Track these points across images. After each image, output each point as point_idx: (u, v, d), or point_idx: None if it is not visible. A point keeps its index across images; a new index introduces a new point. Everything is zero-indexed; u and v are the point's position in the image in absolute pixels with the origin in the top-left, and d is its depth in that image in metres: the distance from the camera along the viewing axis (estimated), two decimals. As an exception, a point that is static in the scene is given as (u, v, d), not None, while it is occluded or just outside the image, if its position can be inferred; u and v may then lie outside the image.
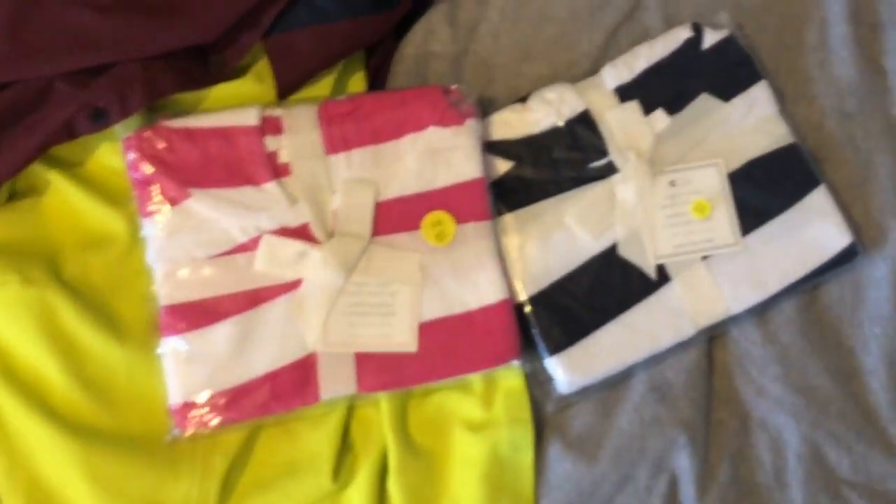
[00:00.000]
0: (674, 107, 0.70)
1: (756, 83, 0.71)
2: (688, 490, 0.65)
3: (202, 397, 0.62)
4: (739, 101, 0.70)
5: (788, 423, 0.67)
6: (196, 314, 0.62)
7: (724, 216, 0.68)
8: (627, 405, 0.67)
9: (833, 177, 0.71)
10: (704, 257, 0.67)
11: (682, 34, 0.71)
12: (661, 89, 0.70)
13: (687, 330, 0.66)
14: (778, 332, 0.68)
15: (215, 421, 0.62)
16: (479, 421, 0.66)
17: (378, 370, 0.64)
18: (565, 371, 0.66)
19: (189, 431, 0.62)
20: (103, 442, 0.61)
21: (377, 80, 0.73)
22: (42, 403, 0.61)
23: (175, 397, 0.62)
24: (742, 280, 0.67)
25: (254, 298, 0.63)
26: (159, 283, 0.63)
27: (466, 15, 0.75)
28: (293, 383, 0.63)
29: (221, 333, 0.62)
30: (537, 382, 0.68)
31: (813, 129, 0.73)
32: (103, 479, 0.61)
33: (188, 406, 0.62)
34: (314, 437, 0.65)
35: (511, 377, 0.67)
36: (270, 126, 0.65)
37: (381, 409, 0.66)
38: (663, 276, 0.67)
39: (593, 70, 0.73)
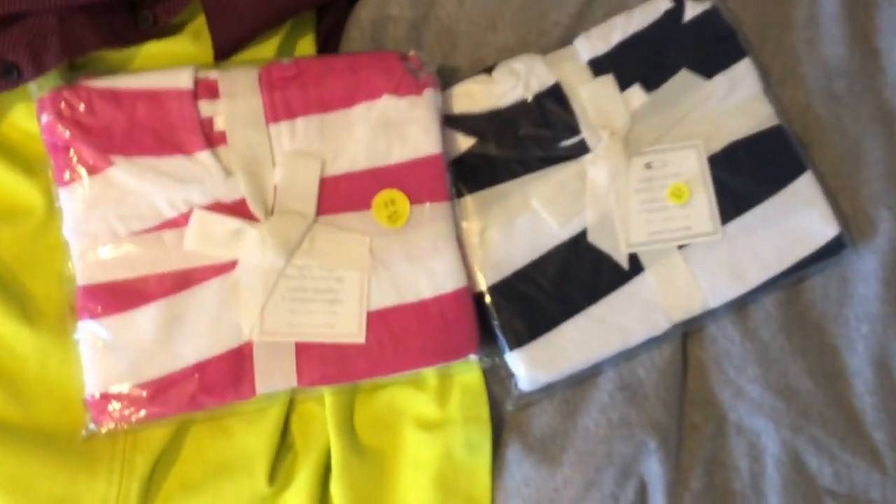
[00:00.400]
0: (652, 83, 0.65)
1: (740, 60, 0.66)
2: (657, 498, 0.60)
3: (122, 388, 0.56)
4: (722, 79, 0.65)
5: (767, 428, 0.62)
6: (117, 296, 0.56)
7: (704, 202, 0.63)
8: (594, 405, 0.62)
9: (820, 163, 0.67)
10: (681, 246, 0.62)
11: (662, 5, 0.66)
12: (639, 63, 0.65)
13: (661, 324, 0.61)
14: (758, 329, 0.63)
15: (137, 415, 0.56)
16: (433, 419, 0.61)
17: (321, 362, 0.58)
18: (527, 367, 0.60)
19: (107, 426, 0.56)
20: (9, 437, 0.55)
21: (328, 46, 0.67)
22: (-60, 393, 0.55)
23: (92, 388, 0.56)
24: (721, 272, 0.62)
25: (182, 280, 0.57)
26: (76, 260, 0.57)
27: (429, -22, 0.69)
28: (226, 375, 0.57)
29: (145, 318, 0.56)
30: (497, 379, 0.62)
31: (799, 112, 0.68)
32: (8, 478, 0.55)
33: (106, 398, 0.56)
34: (249, 435, 0.60)
35: (468, 372, 0.62)
36: (205, 90, 0.58)
37: (324, 405, 0.60)
38: (636, 266, 0.62)
39: (565, 41, 0.67)
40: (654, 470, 0.61)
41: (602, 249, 0.62)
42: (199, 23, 0.61)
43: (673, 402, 0.62)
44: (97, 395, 0.56)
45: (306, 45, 0.65)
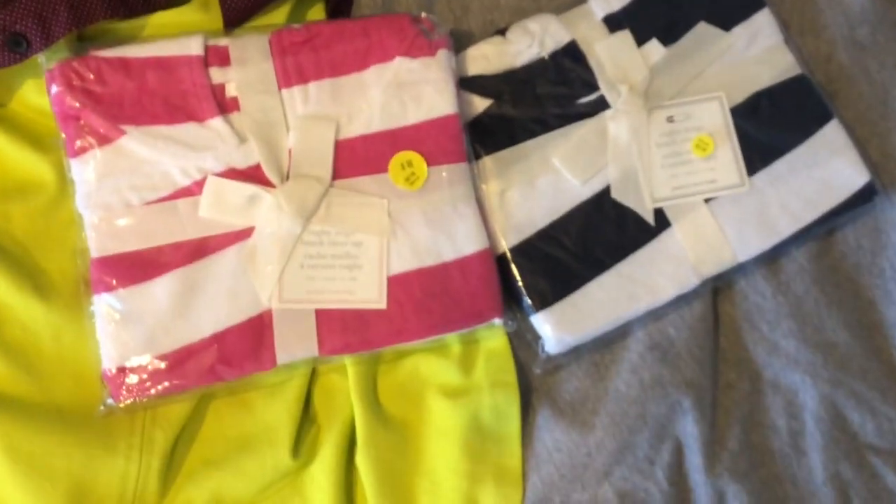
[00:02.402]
0: (669, 37, 0.63)
1: (758, 11, 0.64)
2: (694, 459, 0.58)
3: (140, 361, 0.54)
4: (741, 30, 0.64)
5: (804, 383, 0.60)
6: (132, 267, 0.55)
7: (729, 154, 0.61)
8: (624, 366, 0.60)
9: (846, 112, 0.65)
10: (707, 200, 0.60)
11: (677, -41, 0.65)
12: (655, 18, 0.64)
13: (690, 280, 0.59)
14: (790, 283, 0.61)
15: (155, 389, 0.55)
16: (458, 387, 0.59)
17: (342, 330, 0.56)
18: (554, 329, 0.58)
19: (125, 401, 0.55)
20: (25, 414, 0.54)
21: (338, 15, 0.66)
22: (-46, 372, 0.53)
23: (108, 362, 0.54)
24: (749, 224, 0.60)
25: (198, 249, 0.56)
26: (89, 232, 0.55)
27: (438, -56, 0.67)
28: (245, 345, 0.55)
29: (161, 289, 0.55)
30: (523, 343, 0.61)
31: (822, 62, 0.66)
32: (25, 456, 0.53)
33: (124, 372, 0.54)
34: (271, 408, 0.58)
35: (493, 337, 0.60)
36: (216, 56, 0.57)
37: (346, 376, 0.59)
38: (662, 222, 0.60)
39: (577, 2, 0.66)
40: (689, 430, 0.59)
41: (626, 206, 0.60)
42: (207, -10, 0.60)
43: (706, 360, 0.60)
44: (114, 370, 0.54)
45: (317, 13, 0.64)
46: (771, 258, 0.62)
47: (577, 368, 0.60)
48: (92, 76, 0.55)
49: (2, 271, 0.55)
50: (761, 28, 0.64)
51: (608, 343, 0.60)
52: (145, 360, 0.54)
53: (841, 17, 0.67)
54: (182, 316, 0.55)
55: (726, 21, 0.64)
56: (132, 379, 0.54)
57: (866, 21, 0.66)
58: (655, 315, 0.60)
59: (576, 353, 0.60)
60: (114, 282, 0.55)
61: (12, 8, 0.54)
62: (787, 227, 0.60)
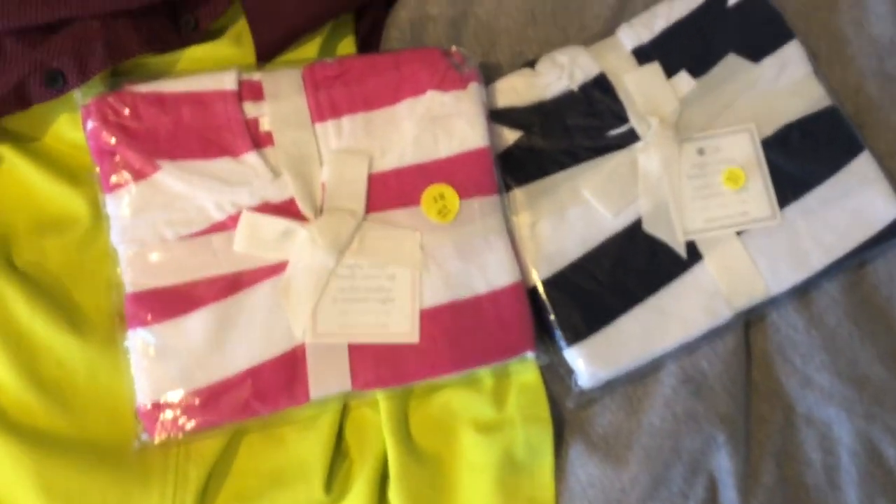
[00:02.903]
0: (698, 69, 0.63)
1: (787, 42, 0.64)
2: (729, 494, 0.58)
3: (174, 397, 0.54)
4: (770, 62, 0.64)
5: (839, 417, 0.60)
6: (167, 302, 0.55)
7: (760, 186, 0.61)
8: (658, 400, 0.59)
9: (876, 144, 0.65)
10: (739, 232, 0.60)
11: (705, -9, 0.65)
12: (684, 50, 0.64)
13: (723, 313, 0.59)
14: (822, 316, 0.61)
15: (190, 424, 0.54)
16: (490, 421, 0.59)
17: (375, 364, 0.56)
18: (587, 362, 0.58)
19: (160, 437, 0.54)
20: (60, 450, 0.54)
21: (367, 48, 0.66)
22: (-10, 408, 0.53)
23: (143, 398, 0.54)
24: (781, 257, 0.60)
25: (233, 284, 0.56)
26: (124, 267, 0.55)
27: (466, -24, 0.68)
28: (279, 380, 0.55)
29: (196, 324, 0.55)
30: (555, 377, 0.60)
31: (851, 93, 0.66)
32: (60, 492, 0.53)
33: (158, 407, 0.54)
34: (304, 443, 0.58)
35: (525, 371, 0.60)
36: (250, 91, 0.58)
37: (379, 410, 0.59)
38: (694, 254, 0.60)
39: (606, 34, 0.66)
40: (723, 465, 0.58)
41: (658, 238, 0.60)
42: (241, 26, 0.60)
43: (739, 394, 0.60)
44: (149, 405, 0.54)
45: (347, 47, 0.64)
46: (803, 291, 0.61)
47: (610, 402, 0.60)
48: (127, 111, 0.56)
49: (38, 307, 0.55)
50: (791, 59, 0.64)
51: (641, 376, 0.60)
52: (180, 395, 0.54)
53: (870, 48, 0.67)
54: (216, 351, 0.55)
55: (756, 53, 0.64)
56: (167, 415, 0.54)
57: (895, 53, 0.66)
58: (688, 348, 0.60)
59: (609, 386, 0.60)
60: (149, 317, 0.55)
61: (49, 45, 0.54)
62: (819, 260, 0.60)
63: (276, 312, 0.56)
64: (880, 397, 0.60)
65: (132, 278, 0.55)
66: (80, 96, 0.56)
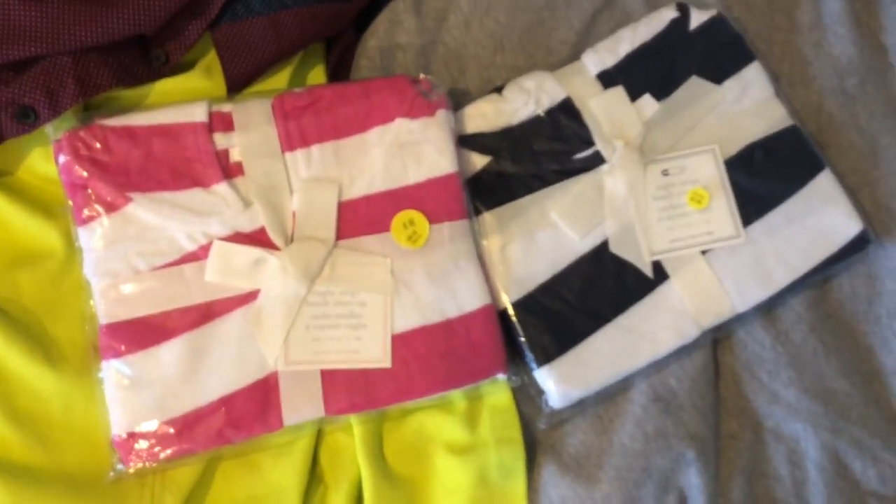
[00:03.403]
0: (662, 92, 0.65)
1: (749, 64, 0.66)
2: (699, 511, 0.59)
3: (149, 427, 0.55)
4: (732, 84, 0.65)
5: (806, 432, 0.61)
6: (140, 333, 0.56)
7: (724, 206, 0.62)
8: (628, 419, 0.60)
9: (837, 161, 0.66)
10: (704, 251, 0.62)
11: (667, 15, 0.67)
12: (648, 74, 0.65)
13: (690, 331, 0.60)
14: (788, 332, 0.62)
15: (165, 453, 0.55)
16: (464, 443, 0.59)
17: (348, 390, 0.57)
18: (557, 383, 0.59)
19: (135, 466, 0.55)
20: (37, 482, 0.54)
21: (338, 76, 0.68)
22: (-35, 441, 0.54)
23: (118, 428, 0.55)
24: (747, 275, 0.61)
25: (205, 313, 0.56)
26: (98, 299, 0.56)
27: (434, 4, 0.69)
28: (252, 408, 0.56)
29: (169, 354, 0.55)
30: (526, 397, 0.61)
31: (812, 112, 0.68)
32: (36, 525, 0.53)
33: (133, 437, 0.55)
34: (278, 469, 0.58)
35: (497, 393, 0.61)
36: (220, 122, 0.59)
37: (352, 434, 0.59)
38: (661, 274, 0.61)
39: (573, 58, 0.67)
40: (693, 482, 0.59)
41: (625, 259, 0.61)
42: (211, 58, 0.61)
43: (708, 411, 0.61)
44: (124, 435, 0.55)
45: (317, 76, 0.65)
46: (769, 307, 0.62)
47: (581, 422, 0.61)
48: (98, 145, 0.56)
49: (12, 340, 0.55)
50: (752, 81, 0.65)
51: (611, 396, 0.61)
52: (154, 425, 0.55)
53: (829, 68, 0.68)
54: (190, 380, 0.55)
55: (718, 75, 0.65)
56: (141, 444, 0.55)
57: (854, 71, 0.68)
58: (657, 367, 0.61)
59: (579, 406, 0.61)
60: (122, 347, 0.55)
61: (21, 81, 0.55)
62: (783, 278, 0.61)
63: (249, 341, 0.56)
64: (845, 412, 0.61)
65: (105, 310, 0.56)
66: (52, 130, 0.57)
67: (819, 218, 0.62)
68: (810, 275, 0.61)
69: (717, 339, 0.63)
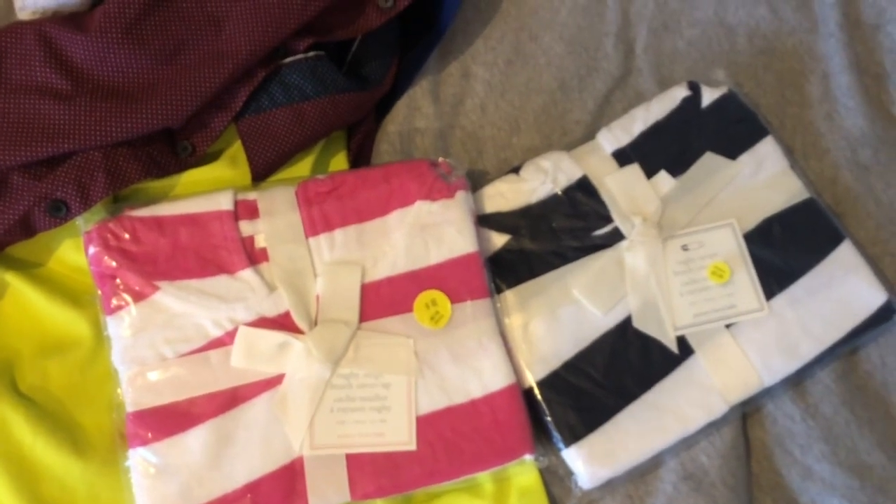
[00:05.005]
0: (677, 168, 0.66)
1: (762, 139, 0.67)
2: None
3: (174, 515, 0.54)
4: (747, 158, 0.66)
5: (843, 508, 0.59)
6: (167, 420, 0.56)
7: (745, 279, 0.62)
8: (660, 498, 0.59)
9: (856, 232, 0.66)
10: (728, 325, 0.61)
11: (679, 93, 0.68)
12: (662, 151, 0.66)
13: (718, 407, 0.59)
14: (818, 405, 0.61)
15: (190, 542, 0.54)
16: (492, 526, 0.58)
17: (373, 473, 0.57)
18: (586, 463, 0.58)
19: (160, 556, 0.54)
20: (61, 575, 0.53)
21: (359, 161, 0.69)
22: (-9, 533, 0.54)
23: (144, 517, 0.55)
24: (772, 348, 0.61)
25: (231, 399, 0.57)
26: (125, 387, 0.56)
27: (451, 90, 0.71)
28: (278, 494, 0.56)
29: (195, 440, 0.55)
30: (555, 478, 0.60)
31: (828, 184, 0.68)
32: None
33: (159, 527, 0.54)
34: (305, 555, 0.57)
35: (525, 474, 0.60)
36: (246, 210, 0.60)
37: (380, 518, 0.58)
38: (686, 349, 0.61)
39: (587, 138, 0.69)
40: (730, 563, 0.57)
41: (649, 335, 0.61)
42: (236, 148, 0.63)
43: (740, 488, 0.59)
44: (149, 524, 0.55)
45: (339, 162, 0.67)
46: (797, 380, 0.62)
47: (611, 502, 0.60)
48: (127, 236, 0.58)
49: (40, 430, 0.56)
50: (767, 155, 0.66)
51: (641, 474, 0.60)
52: (180, 513, 0.55)
53: (842, 140, 0.69)
54: (215, 467, 0.55)
55: (732, 150, 0.66)
56: (167, 533, 0.54)
57: (867, 143, 0.69)
58: (687, 444, 0.60)
59: (609, 486, 0.59)
60: (149, 435, 0.55)
61: (53, 176, 0.57)
62: (809, 350, 0.61)
63: (274, 426, 0.56)
64: (884, 486, 0.59)
65: (133, 398, 0.56)
66: (83, 222, 0.58)
67: (842, 289, 0.62)
68: (837, 346, 0.61)
69: (747, 413, 0.62)
